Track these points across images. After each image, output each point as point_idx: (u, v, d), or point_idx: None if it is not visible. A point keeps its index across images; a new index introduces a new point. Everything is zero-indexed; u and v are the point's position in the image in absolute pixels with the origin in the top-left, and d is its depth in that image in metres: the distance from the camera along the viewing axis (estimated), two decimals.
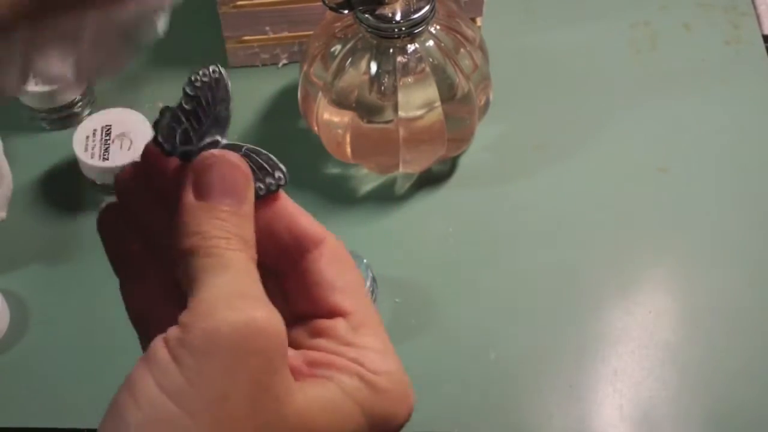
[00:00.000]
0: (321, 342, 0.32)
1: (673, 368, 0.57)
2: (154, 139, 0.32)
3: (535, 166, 0.65)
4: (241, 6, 0.65)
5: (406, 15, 0.56)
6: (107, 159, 0.60)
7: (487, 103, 0.63)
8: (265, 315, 0.28)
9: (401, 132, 0.59)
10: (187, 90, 0.32)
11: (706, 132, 0.67)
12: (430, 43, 0.58)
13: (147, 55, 0.71)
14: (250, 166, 0.32)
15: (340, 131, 0.60)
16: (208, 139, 0.32)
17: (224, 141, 0.32)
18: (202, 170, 0.31)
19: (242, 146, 0.32)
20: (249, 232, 0.30)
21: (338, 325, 0.32)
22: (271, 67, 0.70)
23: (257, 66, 0.70)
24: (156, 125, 0.32)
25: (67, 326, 0.59)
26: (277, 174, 0.32)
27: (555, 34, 0.72)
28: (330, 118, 0.60)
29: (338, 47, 0.59)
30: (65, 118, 0.66)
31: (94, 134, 0.61)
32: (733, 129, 0.67)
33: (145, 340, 0.33)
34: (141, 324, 0.33)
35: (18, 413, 0.56)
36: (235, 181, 0.31)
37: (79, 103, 0.66)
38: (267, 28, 0.67)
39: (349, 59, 0.58)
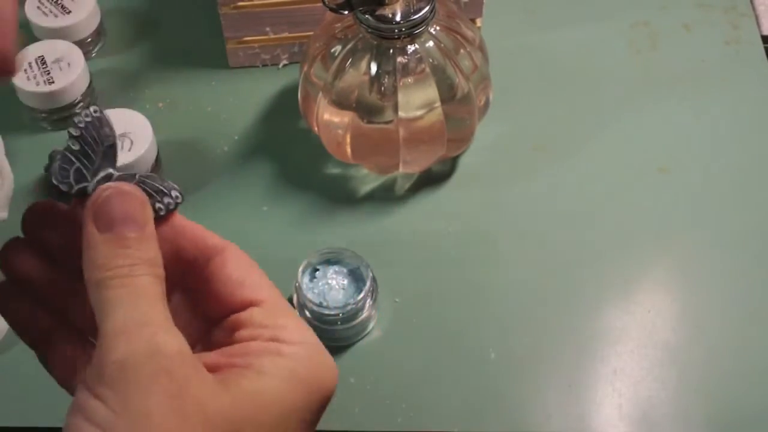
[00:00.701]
0: (240, 333, 0.33)
1: (672, 368, 0.57)
2: (49, 183, 0.33)
3: (535, 166, 0.65)
4: (242, 7, 0.65)
5: (406, 16, 0.56)
6: None
7: (487, 104, 0.63)
8: (163, 339, 0.30)
9: (401, 132, 0.59)
10: (72, 132, 0.34)
11: (706, 132, 0.67)
12: (430, 43, 0.58)
13: (148, 56, 0.71)
14: (147, 191, 0.33)
15: (340, 131, 0.60)
16: (101, 174, 0.34)
17: (117, 173, 0.34)
18: (100, 204, 0.32)
19: (135, 174, 0.34)
20: (153, 251, 0.32)
21: (253, 313, 0.33)
22: (271, 67, 0.70)
23: (258, 66, 0.70)
24: (48, 169, 0.33)
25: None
26: (174, 194, 0.34)
27: (555, 34, 0.72)
28: (330, 119, 0.60)
29: (338, 48, 0.59)
30: (66, 118, 0.66)
31: None
32: (733, 129, 0.67)
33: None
34: (68, 387, 0.36)
35: (18, 413, 0.56)
36: (133, 208, 0.32)
37: (80, 104, 0.66)
38: (267, 29, 0.67)
39: (350, 60, 0.59)
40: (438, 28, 0.59)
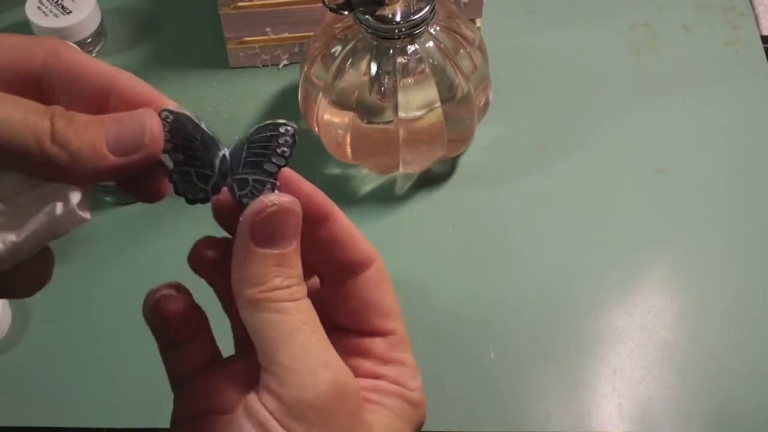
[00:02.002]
0: (360, 362, 0.35)
1: (672, 367, 0.57)
2: (188, 200, 0.33)
3: (535, 166, 0.65)
4: (242, 7, 0.66)
5: (406, 16, 0.56)
6: None
7: (486, 104, 0.63)
8: (344, 374, 0.31)
9: (401, 132, 0.59)
10: (166, 147, 0.32)
11: (705, 132, 0.67)
12: (430, 44, 0.58)
13: (148, 56, 0.71)
14: (261, 144, 0.33)
15: (340, 132, 0.61)
16: (217, 161, 0.33)
17: (227, 150, 0.33)
18: (263, 219, 0.31)
19: (244, 141, 0.33)
20: (300, 264, 0.32)
21: (376, 344, 0.35)
22: (271, 67, 0.70)
23: (258, 67, 0.70)
24: (177, 191, 0.33)
25: (67, 326, 0.59)
26: (283, 129, 0.33)
27: (555, 35, 0.72)
28: (330, 119, 0.61)
29: (338, 48, 0.59)
30: None
31: None
32: (733, 129, 0.67)
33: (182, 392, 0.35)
34: (178, 385, 0.36)
35: (18, 413, 0.56)
36: (294, 223, 0.32)
37: None
38: (268, 29, 0.67)
39: (350, 60, 0.59)
40: (438, 28, 0.59)
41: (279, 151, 0.33)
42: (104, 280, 0.60)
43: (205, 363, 0.35)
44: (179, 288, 0.35)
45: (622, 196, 0.64)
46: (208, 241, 0.35)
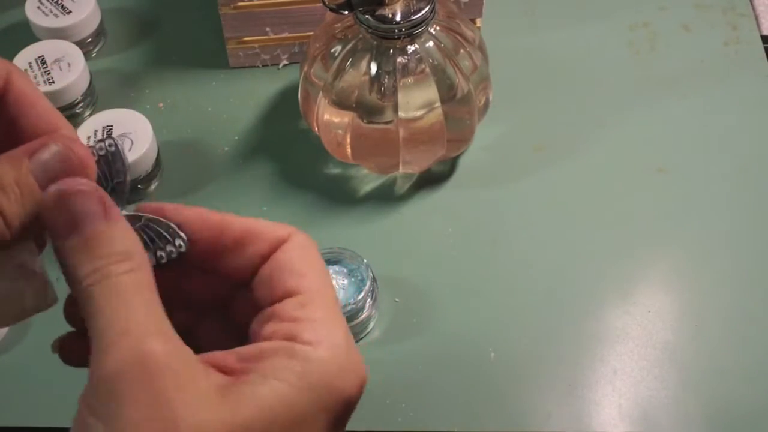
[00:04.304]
0: (266, 327, 0.31)
1: (672, 367, 0.57)
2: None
3: (535, 166, 0.65)
4: (242, 7, 0.66)
5: (406, 16, 0.56)
6: None
7: (486, 104, 0.63)
8: (149, 346, 0.28)
9: (401, 132, 0.59)
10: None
11: (705, 132, 0.67)
12: (430, 43, 0.58)
13: (148, 56, 0.71)
14: (149, 236, 0.32)
15: (340, 132, 0.61)
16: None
17: (124, 212, 0.32)
18: (48, 215, 0.30)
19: (141, 217, 0.32)
20: (124, 241, 0.30)
21: (285, 305, 0.32)
22: (271, 67, 0.70)
23: (258, 67, 0.70)
24: None
25: (67, 326, 0.59)
26: (177, 242, 0.32)
27: (555, 35, 0.72)
28: (330, 119, 0.61)
29: (338, 48, 0.59)
30: (67, 118, 0.66)
31: (95, 134, 0.61)
32: (733, 129, 0.67)
33: None
34: None
35: (18, 413, 0.56)
36: (83, 204, 0.30)
37: (81, 104, 0.66)
38: (267, 29, 0.67)
39: (350, 60, 0.59)
40: (438, 28, 0.59)
41: (168, 249, 0.32)
42: None
43: None
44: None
45: (622, 196, 0.64)
46: (69, 338, 0.35)
